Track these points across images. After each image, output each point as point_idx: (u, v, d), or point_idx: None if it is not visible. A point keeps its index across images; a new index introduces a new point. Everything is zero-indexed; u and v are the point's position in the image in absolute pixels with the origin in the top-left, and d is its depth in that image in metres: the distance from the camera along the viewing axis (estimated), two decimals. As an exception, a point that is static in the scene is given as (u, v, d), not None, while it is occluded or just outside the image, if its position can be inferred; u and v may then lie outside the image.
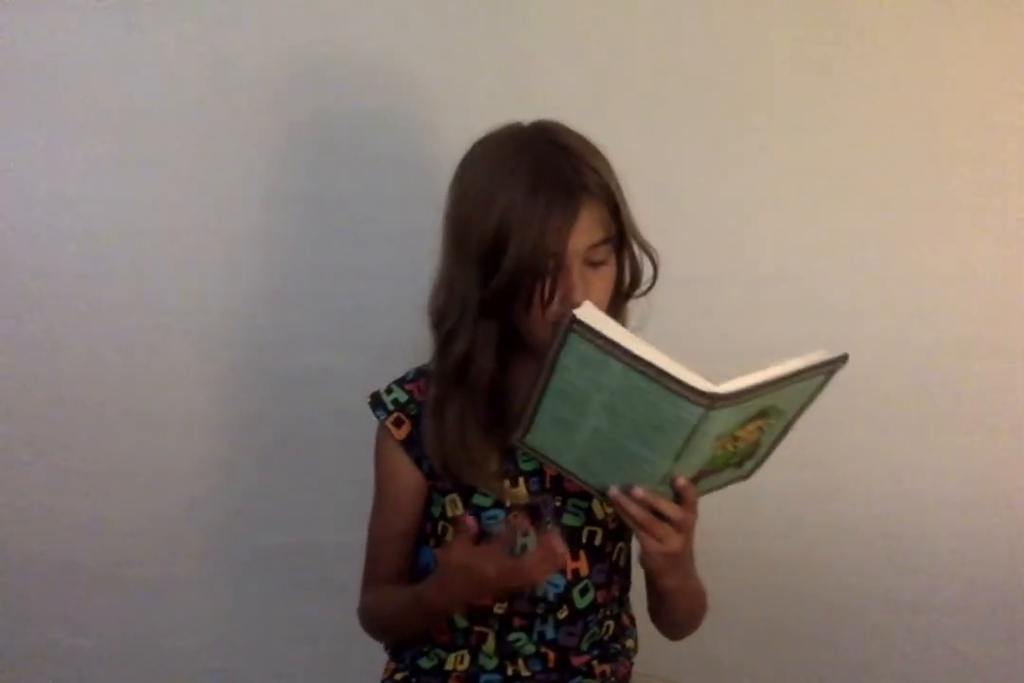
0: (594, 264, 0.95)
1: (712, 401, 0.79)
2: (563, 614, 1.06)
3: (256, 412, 1.48)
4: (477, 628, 1.07)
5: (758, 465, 0.94)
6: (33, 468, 1.47)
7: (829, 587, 1.52)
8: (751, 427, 0.87)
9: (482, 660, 1.08)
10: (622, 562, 1.10)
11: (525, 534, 0.92)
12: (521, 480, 1.05)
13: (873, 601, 1.53)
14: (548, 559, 0.91)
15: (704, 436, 0.83)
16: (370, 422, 1.09)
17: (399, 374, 1.10)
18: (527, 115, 1.01)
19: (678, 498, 0.90)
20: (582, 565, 1.06)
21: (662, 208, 1.37)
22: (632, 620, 1.17)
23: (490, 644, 1.07)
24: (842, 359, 0.85)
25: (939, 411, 1.47)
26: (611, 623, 1.11)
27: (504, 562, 0.92)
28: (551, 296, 0.93)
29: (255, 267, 1.44)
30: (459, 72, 1.39)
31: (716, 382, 0.81)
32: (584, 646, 1.08)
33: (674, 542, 0.91)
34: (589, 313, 0.83)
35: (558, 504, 1.06)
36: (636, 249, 1.01)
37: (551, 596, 1.05)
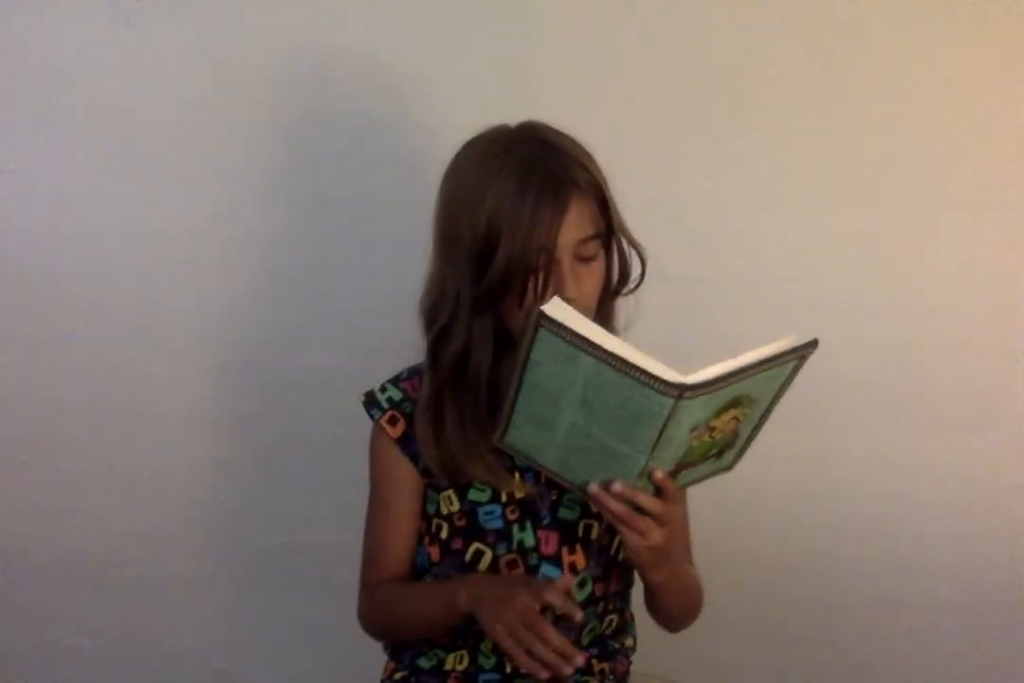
0: (584, 259, 0.97)
1: (681, 391, 0.79)
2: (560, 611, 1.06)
3: (256, 412, 1.48)
4: (476, 627, 1.07)
5: (739, 456, 0.95)
6: (33, 468, 1.47)
7: (829, 587, 1.53)
8: (726, 417, 0.87)
9: (481, 659, 1.08)
10: (621, 557, 1.10)
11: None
12: (517, 475, 1.05)
13: (873, 601, 1.53)
14: (559, 662, 0.88)
15: (677, 427, 0.83)
16: (370, 422, 1.09)
17: (396, 374, 1.10)
18: (527, 116, 1.02)
19: (658, 492, 0.90)
20: (579, 559, 1.06)
21: (662, 208, 1.38)
22: (631, 617, 1.17)
23: (489, 642, 1.07)
24: (811, 344, 0.85)
25: (938, 411, 1.48)
26: (614, 618, 1.11)
27: (530, 621, 0.89)
28: (543, 291, 0.95)
29: (255, 267, 1.44)
30: (459, 73, 1.39)
31: (688, 370, 0.81)
32: (584, 641, 1.08)
33: (656, 536, 0.91)
34: (556, 308, 0.83)
35: (554, 498, 1.06)
36: (625, 246, 1.02)
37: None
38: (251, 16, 1.38)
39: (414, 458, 1.06)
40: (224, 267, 1.43)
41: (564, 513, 1.06)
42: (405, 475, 1.07)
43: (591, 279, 0.98)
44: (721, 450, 0.91)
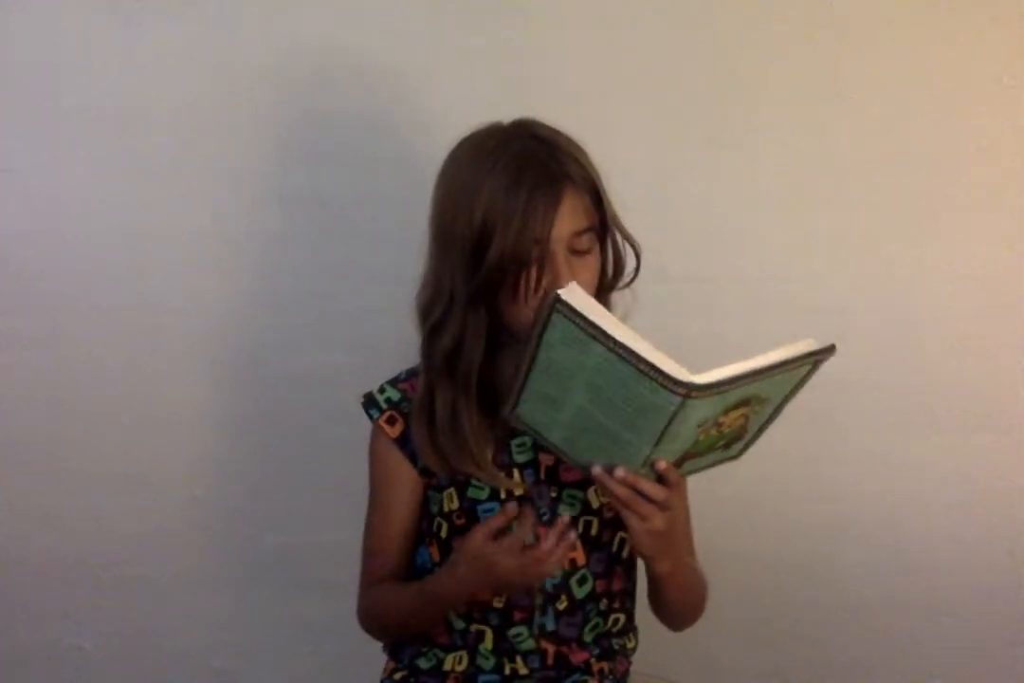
0: (578, 253, 0.97)
1: (689, 391, 0.79)
2: (562, 605, 1.06)
3: (256, 412, 1.48)
4: (475, 627, 1.07)
5: (747, 447, 0.94)
6: (33, 468, 1.47)
7: (829, 587, 1.52)
8: (735, 414, 0.87)
9: (480, 660, 1.08)
10: (625, 554, 1.10)
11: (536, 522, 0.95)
12: (516, 472, 1.06)
13: (873, 601, 1.53)
14: (561, 546, 0.93)
15: (684, 424, 0.83)
16: (369, 422, 1.09)
17: (395, 375, 1.10)
18: (527, 115, 1.02)
19: (661, 479, 0.90)
20: (579, 555, 1.06)
21: (662, 208, 1.38)
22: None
23: (488, 643, 1.07)
24: (829, 349, 0.85)
25: (938, 411, 1.47)
26: (621, 617, 1.11)
27: (521, 553, 0.93)
28: (537, 285, 0.95)
29: (255, 267, 1.44)
30: (459, 73, 1.39)
31: (695, 370, 0.81)
32: (588, 638, 1.09)
33: (658, 521, 0.91)
34: (573, 294, 0.83)
35: (553, 495, 1.06)
36: (619, 240, 1.02)
37: (549, 586, 1.05)
38: (251, 16, 1.38)
39: (413, 458, 1.06)
40: (224, 267, 1.43)
41: (564, 510, 1.06)
42: (404, 475, 1.07)
43: (586, 272, 0.98)
44: (729, 442, 0.91)
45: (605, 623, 1.10)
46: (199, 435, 1.48)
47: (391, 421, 1.07)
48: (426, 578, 1.05)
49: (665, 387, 0.80)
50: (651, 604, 1.11)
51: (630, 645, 1.15)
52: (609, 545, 1.09)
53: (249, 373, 1.46)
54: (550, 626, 1.07)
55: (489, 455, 1.03)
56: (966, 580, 1.52)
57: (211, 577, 1.52)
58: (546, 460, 1.06)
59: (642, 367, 0.80)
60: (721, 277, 1.44)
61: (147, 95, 1.39)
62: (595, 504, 1.07)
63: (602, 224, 1.00)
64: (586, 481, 1.05)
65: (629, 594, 1.13)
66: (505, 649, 1.07)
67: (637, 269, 1.05)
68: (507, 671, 1.07)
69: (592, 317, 0.82)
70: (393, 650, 1.14)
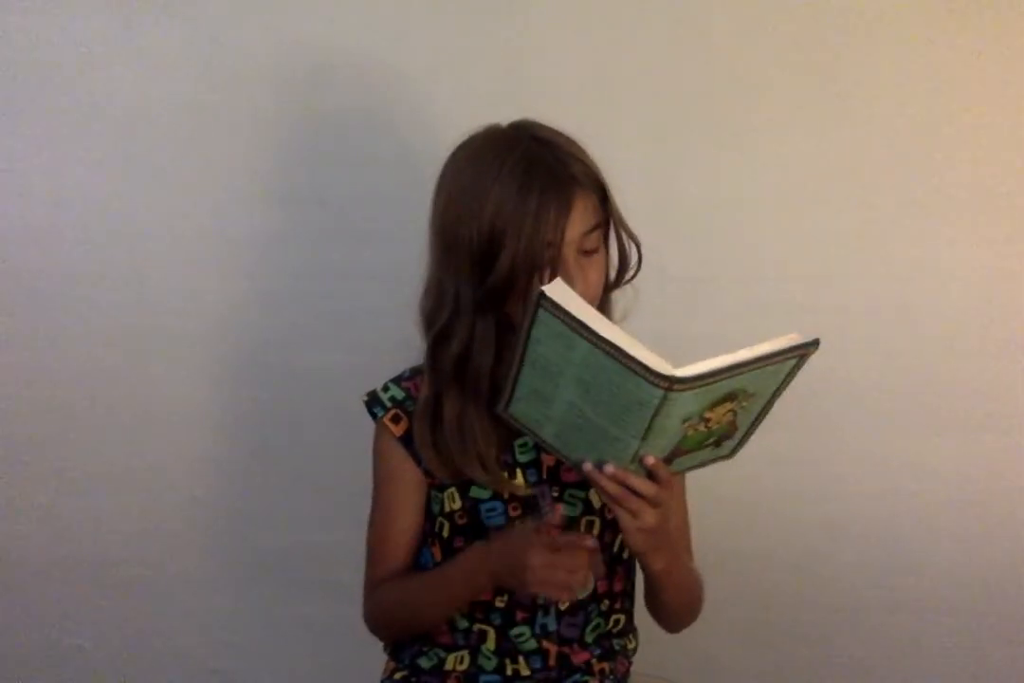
0: (586, 252, 0.98)
1: (671, 383, 0.80)
2: (564, 605, 1.06)
3: (256, 412, 1.48)
4: (477, 626, 1.07)
5: (740, 445, 0.94)
6: (33, 468, 1.47)
7: (828, 587, 1.52)
8: (722, 410, 0.87)
9: (481, 660, 1.08)
10: (625, 554, 1.10)
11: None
12: (519, 471, 1.06)
13: (873, 601, 1.53)
14: (592, 556, 0.93)
15: (668, 418, 0.83)
16: (370, 421, 1.09)
17: (398, 373, 1.10)
18: (527, 116, 1.02)
19: (650, 475, 0.90)
20: (587, 542, 1.06)
21: (662, 208, 1.38)
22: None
23: (490, 643, 1.07)
24: (812, 344, 0.85)
25: (937, 411, 1.47)
26: (622, 618, 1.12)
27: (553, 552, 0.93)
28: None
29: (255, 267, 1.44)
30: (459, 72, 1.39)
31: (697, 359, 0.81)
32: (589, 638, 1.09)
33: (648, 517, 0.91)
34: (557, 290, 0.84)
35: (555, 494, 1.06)
36: (623, 236, 1.03)
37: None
38: (251, 16, 1.38)
39: (417, 456, 1.06)
40: (224, 267, 1.43)
41: (566, 510, 1.05)
42: (409, 473, 1.07)
43: (595, 272, 0.99)
44: (719, 440, 0.92)
45: (606, 624, 1.10)
46: (199, 435, 1.48)
47: (395, 419, 1.07)
48: (447, 569, 1.05)
49: (647, 380, 0.80)
50: (648, 605, 1.11)
51: (630, 646, 1.15)
52: (611, 546, 1.09)
53: (249, 373, 1.46)
54: (551, 626, 1.07)
55: (495, 457, 1.03)
56: (966, 580, 1.52)
57: (211, 577, 1.52)
58: (548, 460, 1.06)
59: (624, 361, 0.81)
60: (721, 277, 1.44)
61: (147, 95, 1.39)
62: (597, 504, 1.07)
63: (607, 221, 1.00)
64: (587, 481, 1.05)
65: (629, 595, 1.13)
66: (507, 649, 1.07)
67: (639, 265, 1.05)
68: (509, 671, 1.07)
69: (575, 312, 0.82)
70: (394, 650, 1.14)
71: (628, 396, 0.83)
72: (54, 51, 1.38)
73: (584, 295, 0.88)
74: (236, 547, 1.52)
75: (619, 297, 1.07)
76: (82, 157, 1.40)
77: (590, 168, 0.98)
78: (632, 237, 1.03)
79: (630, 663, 1.16)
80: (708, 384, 0.82)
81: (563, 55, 1.40)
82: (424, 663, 1.10)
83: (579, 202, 0.95)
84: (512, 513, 1.05)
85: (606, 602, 1.09)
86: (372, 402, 1.08)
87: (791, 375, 0.88)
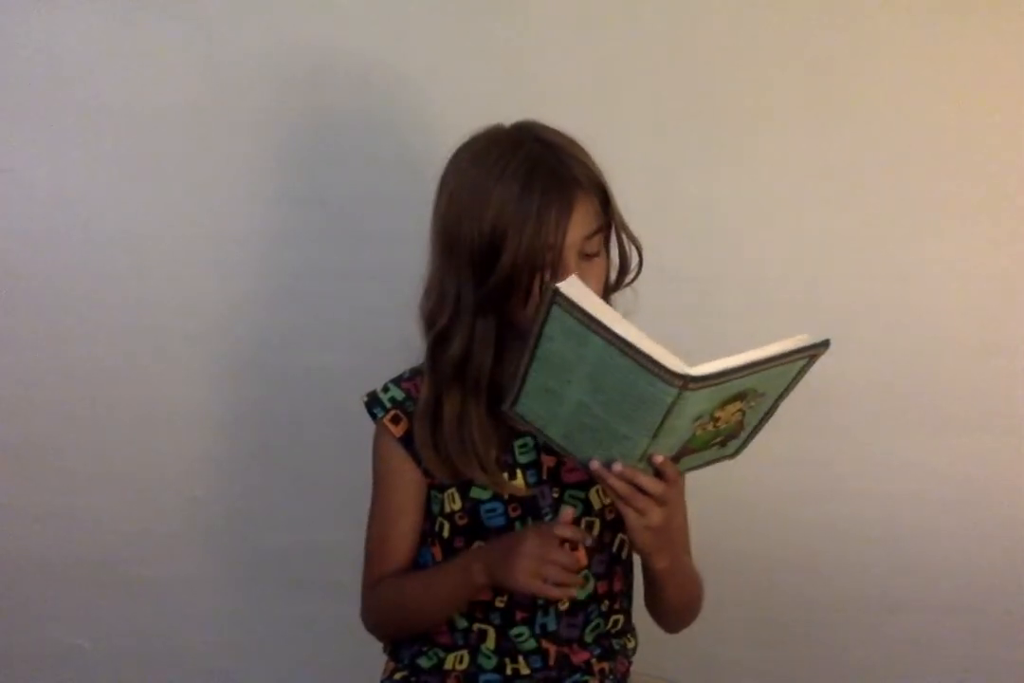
0: (588, 256, 0.98)
1: (685, 382, 0.80)
2: (564, 605, 1.07)
3: (256, 412, 1.48)
4: (477, 626, 1.07)
5: (744, 445, 0.95)
6: (33, 468, 1.47)
7: (829, 587, 1.53)
8: (731, 409, 0.87)
9: (481, 660, 1.08)
10: (624, 555, 1.10)
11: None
12: (519, 472, 1.06)
13: (873, 601, 1.53)
14: (580, 559, 0.94)
15: (680, 417, 0.84)
16: (370, 421, 1.09)
17: (398, 374, 1.10)
18: (527, 116, 1.02)
19: (658, 474, 0.90)
20: (580, 556, 1.06)
21: (662, 208, 1.38)
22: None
23: (490, 642, 1.07)
24: (823, 344, 0.86)
25: (937, 411, 1.47)
26: (620, 618, 1.12)
27: (548, 542, 0.93)
28: None
29: (255, 267, 1.44)
30: (459, 73, 1.39)
31: (701, 359, 0.81)
32: (588, 638, 1.09)
33: (655, 516, 0.91)
34: (572, 287, 0.84)
35: (555, 495, 1.06)
36: (624, 239, 1.03)
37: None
38: (251, 16, 1.38)
39: (417, 457, 1.06)
40: (224, 267, 1.43)
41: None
42: (408, 473, 1.07)
43: (596, 276, 0.99)
44: (725, 439, 0.92)
45: (606, 624, 1.10)
46: (199, 435, 1.48)
47: (395, 420, 1.07)
48: (444, 566, 1.05)
49: (662, 379, 0.80)
50: (648, 605, 1.11)
51: (630, 645, 1.15)
52: (610, 546, 1.09)
53: (249, 373, 1.46)
54: (551, 626, 1.07)
55: (494, 458, 1.03)
56: (965, 580, 1.52)
57: (211, 577, 1.52)
58: (548, 461, 1.06)
59: (640, 359, 0.81)
60: (721, 277, 1.44)
61: (147, 95, 1.39)
62: (597, 505, 1.07)
63: (608, 225, 1.00)
64: (588, 482, 1.05)
65: (627, 595, 1.13)
66: (507, 649, 1.07)
67: (639, 268, 1.05)
68: (508, 671, 1.07)
69: (591, 310, 0.82)
70: (393, 650, 1.14)
71: (641, 394, 0.83)
72: (54, 51, 1.37)
73: None
74: (236, 547, 1.52)
75: (619, 298, 1.07)
76: (82, 157, 1.40)
77: (592, 171, 0.98)
78: (633, 240, 1.03)
79: (630, 663, 1.16)
80: (721, 383, 0.82)
81: (563, 55, 1.40)
82: (424, 663, 1.10)
83: (581, 205, 0.95)
84: (512, 514, 1.05)
85: (606, 603, 1.09)
86: (372, 403, 1.08)
87: (800, 375, 0.89)
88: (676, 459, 0.90)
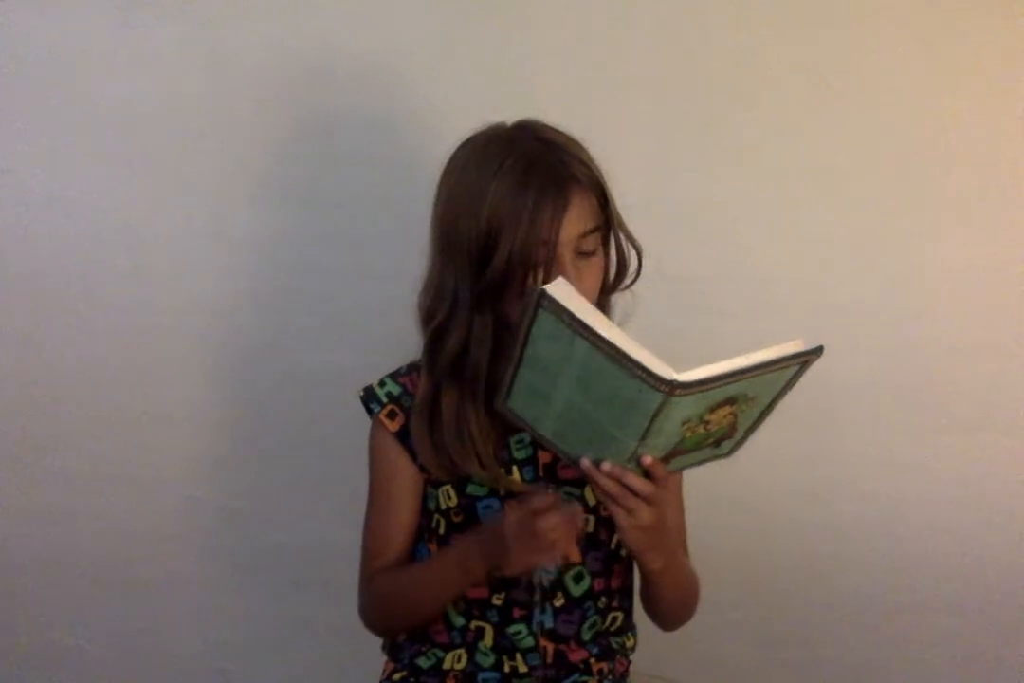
0: (584, 255, 0.98)
1: (672, 388, 0.79)
2: (559, 602, 1.07)
3: (256, 412, 1.48)
4: (475, 623, 1.07)
5: (738, 445, 0.95)
6: (33, 468, 1.47)
7: (828, 587, 1.52)
8: (722, 413, 0.87)
9: (479, 658, 1.08)
10: (623, 552, 1.10)
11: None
12: (515, 468, 1.06)
13: (873, 601, 1.53)
14: (567, 522, 0.92)
15: (668, 420, 0.83)
16: (369, 420, 1.09)
17: (395, 369, 1.11)
18: (527, 116, 1.02)
19: (648, 474, 0.90)
20: (574, 552, 1.06)
21: (662, 208, 1.38)
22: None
23: (488, 640, 1.07)
24: (816, 351, 0.85)
25: (937, 411, 1.47)
26: (619, 615, 1.12)
27: (528, 516, 0.93)
28: None
29: (255, 267, 1.44)
30: (459, 73, 1.39)
31: (684, 369, 0.81)
32: (586, 636, 1.09)
33: (644, 515, 0.91)
34: (560, 289, 0.83)
35: (552, 491, 1.06)
36: (623, 241, 1.03)
37: (546, 582, 1.06)
38: (251, 16, 1.38)
39: (413, 452, 1.06)
40: (223, 267, 1.43)
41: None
42: (405, 468, 1.07)
43: (591, 275, 0.99)
44: (718, 440, 0.92)
45: (603, 621, 1.10)
46: (199, 435, 1.48)
47: (391, 415, 1.07)
48: (439, 557, 1.06)
49: (648, 384, 0.80)
50: (644, 604, 1.12)
51: (629, 644, 1.15)
52: (606, 543, 1.09)
53: (249, 373, 1.46)
54: (548, 624, 1.07)
55: (492, 454, 1.03)
56: (966, 580, 1.52)
57: (211, 577, 1.52)
58: (544, 457, 1.06)
59: (626, 364, 0.81)
60: (721, 277, 1.44)
61: (147, 95, 1.39)
62: (592, 502, 1.07)
63: (606, 225, 1.00)
64: (583, 478, 1.05)
65: (627, 593, 1.13)
66: (505, 646, 1.07)
67: (639, 270, 1.05)
68: (506, 668, 1.07)
69: (578, 313, 0.82)
70: (392, 650, 1.14)
71: (627, 398, 0.83)
72: (54, 51, 1.37)
73: None
74: (236, 547, 1.52)
75: (617, 299, 1.07)
76: (82, 157, 1.40)
77: (591, 169, 0.98)
78: (632, 242, 1.03)
79: (629, 662, 1.16)
80: (708, 390, 0.81)
81: (563, 55, 1.40)
82: (423, 663, 1.10)
83: (576, 202, 0.95)
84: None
85: (603, 600, 1.09)
86: (368, 397, 1.08)
87: (793, 381, 0.88)
88: (667, 460, 0.90)
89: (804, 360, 0.85)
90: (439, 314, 1.00)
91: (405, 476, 1.07)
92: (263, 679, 1.56)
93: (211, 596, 1.53)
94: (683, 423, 0.85)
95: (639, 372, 0.80)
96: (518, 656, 1.07)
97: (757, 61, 1.41)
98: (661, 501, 0.92)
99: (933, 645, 1.54)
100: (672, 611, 1.11)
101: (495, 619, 1.07)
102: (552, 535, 0.92)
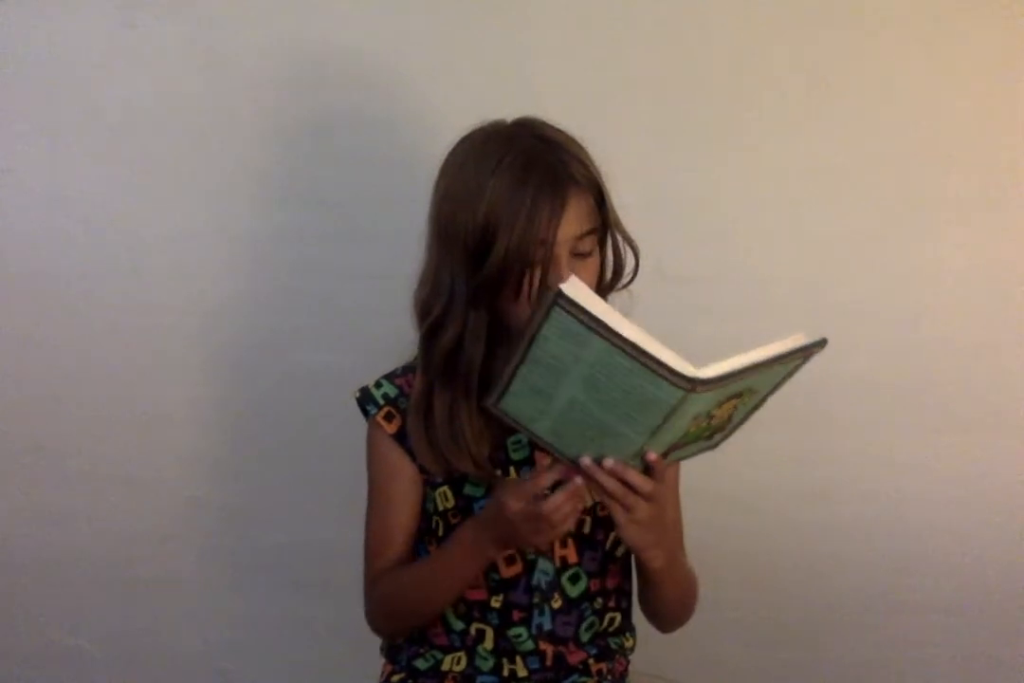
0: (580, 255, 0.98)
1: (695, 385, 0.80)
2: (557, 603, 1.07)
3: (256, 412, 1.48)
4: (475, 626, 1.07)
5: (726, 437, 0.95)
6: (33, 468, 1.47)
7: (829, 587, 1.52)
8: (727, 406, 0.87)
9: (478, 661, 1.08)
10: (619, 553, 1.10)
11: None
12: (512, 470, 1.06)
13: (873, 601, 1.53)
14: (571, 498, 0.92)
15: (682, 416, 0.84)
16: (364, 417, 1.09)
17: (391, 370, 1.10)
18: (527, 115, 1.02)
19: (648, 471, 0.90)
20: (570, 553, 1.06)
21: (662, 208, 1.38)
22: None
23: (488, 643, 1.07)
24: (820, 344, 0.86)
25: (938, 411, 1.47)
26: (617, 616, 1.11)
27: (530, 502, 0.92)
28: (541, 286, 0.95)
29: (255, 267, 1.44)
30: (459, 73, 1.39)
31: (696, 366, 0.81)
32: (584, 637, 1.09)
33: (643, 512, 0.91)
34: (576, 288, 0.83)
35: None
36: (620, 241, 1.03)
37: (543, 584, 1.06)
38: (251, 16, 1.38)
39: (411, 453, 1.06)
40: (224, 267, 1.43)
41: None
42: (404, 469, 1.07)
43: (587, 275, 0.98)
44: (712, 433, 0.92)
45: (601, 622, 1.10)
46: (198, 435, 1.48)
47: (388, 417, 1.07)
48: (447, 549, 1.04)
49: (669, 381, 0.80)
50: (642, 605, 1.11)
51: (628, 644, 1.14)
52: (603, 543, 1.09)
53: (249, 373, 1.46)
54: (547, 626, 1.07)
55: (486, 453, 1.03)
56: (966, 580, 1.52)
57: (211, 577, 1.52)
58: (541, 458, 1.06)
59: (646, 362, 0.80)
60: (721, 277, 1.44)
61: (147, 95, 1.39)
62: (588, 502, 1.07)
63: (603, 226, 1.00)
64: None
65: (625, 593, 1.13)
66: (505, 650, 1.07)
67: (635, 271, 1.05)
68: (505, 672, 1.07)
69: (595, 312, 0.82)
70: (390, 652, 1.14)
71: (644, 395, 0.83)
72: (55, 51, 1.37)
73: None
74: (236, 547, 1.52)
75: (615, 299, 1.06)
76: (82, 157, 1.40)
77: (589, 169, 0.98)
78: (629, 242, 1.03)
79: (628, 662, 1.16)
80: (727, 384, 0.82)
81: (563, 55, 1.40)
82: (421, 665, 1.10)
83: (574, 202, 0.95)
84: None
85: (599, 600, 1.09)
86: (365, 399, 1.08)
87: (791, 373, 0.89)
88: (665, 454, 0.90)
89: (809, 353, 0.86)
90: (435, 308, 1.00)
91: (405, 477, 1.07)
92: (263, 679, 1.56)
93: (211, 596, 1.53)
94: (694, 418, 0.86)
95: (660, 370, 0.80)
96: (518, 659, 1.07)
97: (757, 61, 1.41)
98: (660, 497, 0.92)
99: (933, 645, 1.54)
100: (672, 611, 1.10)
101: (495, 622, 1.07)
102: (558, 515, 0.92)
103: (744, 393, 0.87)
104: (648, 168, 1.38)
